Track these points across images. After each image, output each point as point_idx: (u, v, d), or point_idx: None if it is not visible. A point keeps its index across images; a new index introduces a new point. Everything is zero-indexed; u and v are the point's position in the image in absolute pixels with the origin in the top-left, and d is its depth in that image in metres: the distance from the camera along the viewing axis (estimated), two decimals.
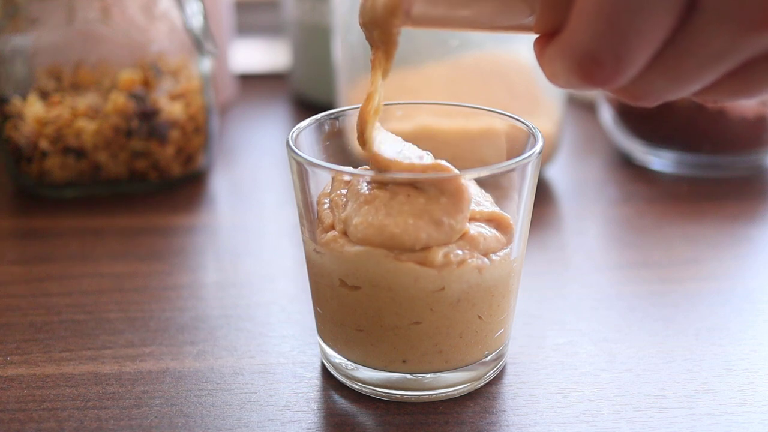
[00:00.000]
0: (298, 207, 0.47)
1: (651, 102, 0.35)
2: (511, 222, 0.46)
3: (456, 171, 0.44)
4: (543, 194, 0.74)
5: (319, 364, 0.50)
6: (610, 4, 0.31)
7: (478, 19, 0.37)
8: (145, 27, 0.73)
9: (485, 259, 0.44)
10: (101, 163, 0.72)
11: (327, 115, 0.51)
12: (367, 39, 0.41)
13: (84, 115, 0.71)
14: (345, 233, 0.44)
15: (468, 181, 0.44)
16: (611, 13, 0.31)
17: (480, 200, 0.46)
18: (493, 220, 0.45)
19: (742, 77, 0.33)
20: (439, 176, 0.44)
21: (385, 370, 0.46)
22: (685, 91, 0.34)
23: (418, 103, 0.56)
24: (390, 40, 0.40)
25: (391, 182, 0.44)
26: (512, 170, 0.44)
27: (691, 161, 0.77)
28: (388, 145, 0.45)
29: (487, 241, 0.44)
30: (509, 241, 0.46)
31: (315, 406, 0.47)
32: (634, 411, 0.46)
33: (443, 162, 0.45)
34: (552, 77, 0.35)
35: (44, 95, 0.72)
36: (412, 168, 0.43)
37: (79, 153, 0.71)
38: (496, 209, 0.46)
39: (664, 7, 0.31)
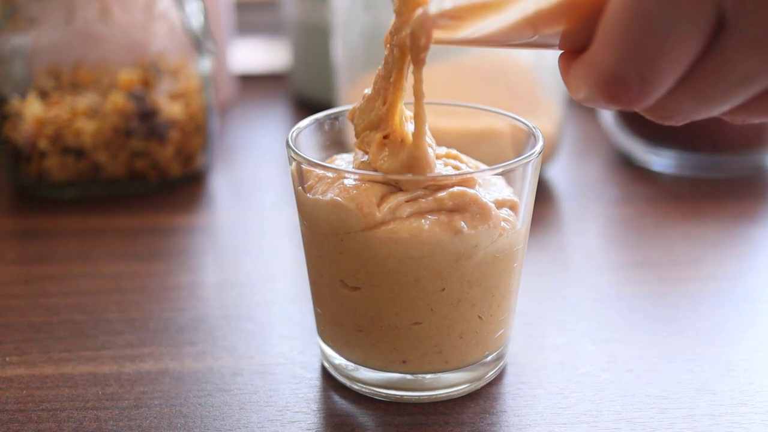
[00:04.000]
0: (298, 207, 0.47)
1: (678, 121, 0.35)
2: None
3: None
4: (543, 194, 0.74)
5: (319, 364, 0.50)
6: (636, 27, 0.30)
7: (500, 39, 0.37)
8: (144, 26, 0.73)
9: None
10: (100, 163, 0.72)
11: (327, 115, 0.51)
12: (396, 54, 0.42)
13: (83, 115, 0.71)
14: None
15: (491, 177, 0.44)
16: (637, 35, 0.30)
17: (502, 186, 0.46)
18: (513, 207, 0.46)
19: None
20: (431, 176, 0.44)
21: (385, 371, 0.46)
22: (712, 112, 0.33)
23: None
24: (419, 60, 0.40)
25: (371, 180, 0.44)
26: (512, 170, 0.44)
27: (692, 161, 0.77)
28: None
29: (509, 235, 0.45)
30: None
31: (315, 406, 0.47)
32: (635, 411, 0.46)
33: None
34: (576, 95, 0.35)
35: (43, 95, 0.72)
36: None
37: (79, 153, 0.71)
38: (515, 198, 0.46)
39: (691, 30, 0.30)
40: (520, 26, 0.35)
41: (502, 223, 0.44)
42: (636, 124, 0.78)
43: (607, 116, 0.82)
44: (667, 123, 0.35)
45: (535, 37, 0.36)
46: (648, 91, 0.32)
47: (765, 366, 0.50)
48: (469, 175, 0.44)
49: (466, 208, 0.43)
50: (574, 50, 0.35)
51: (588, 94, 0.33)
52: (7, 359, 0.51)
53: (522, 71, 0.74)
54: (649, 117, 0.35)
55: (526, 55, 0.74)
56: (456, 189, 0.43)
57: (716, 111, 0.33)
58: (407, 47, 0.40)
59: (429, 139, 0.47)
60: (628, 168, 0.80)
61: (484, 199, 0.43)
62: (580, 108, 0.93)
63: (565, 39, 0.35)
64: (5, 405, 0.47)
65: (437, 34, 0.38)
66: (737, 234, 0.68)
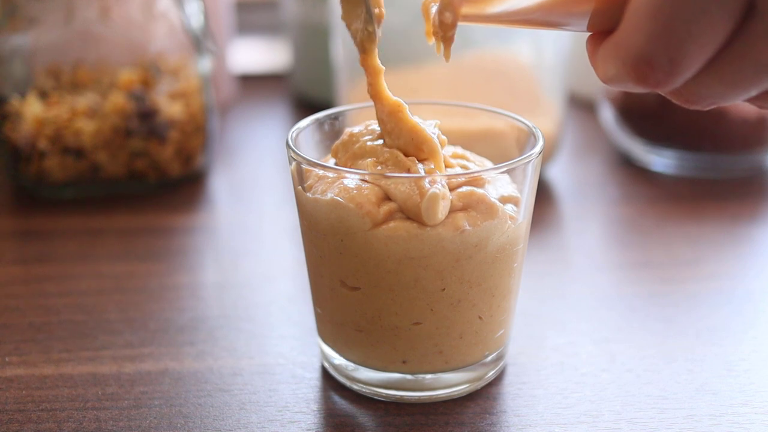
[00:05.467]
0: (298, 207, 0.47)
1: (704, 106, 0.35)
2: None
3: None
4: (543, 194, 0.74)
5: (319, 364, 0.50)
6: (666, 9, 0.30)
7: (528, 17, 0.37)
8: (144, 26, 0.73)
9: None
10: (100, 163, 0.72)
11: (327, 115, 0.51)
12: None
13: (83, 115, 0.71)
14: None
15: (498, 175, 0.45)
16: (667, 17, 0.30)
17: (505, 182, 0.46)
18: (517, 203, 0.46)
19: None
20: (421, 176, 0.44)
21: (385, 371, 0.46)
22: (740, 96, 0.33)
23: (418, 103, 0.56)
24: (447, 38, 0.40)
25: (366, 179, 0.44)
26: (513, 170, 0.44)
27: (692, 161, 0.77)
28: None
29: (511, 232, 0.45)
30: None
31: (315, 406, 0.47)
32: (635, 411, 0.46)
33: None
34: (604, 77, 0.35)
35: (43, 95, 0.72)
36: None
37: (78, 153, 0.71)
38: (518, 194, 0.46)
39: (720, 13, 0.30)
40: (548, 4, 0.35)
41: (508, 221, 0.44)
42: (636, 124, 0.78)
43: (608, 116, 0.82)
44: (694, 107, 0.35)
45: (564, 17, 0.36)
46: (676, 73, 0.32)
47: (765, 366, 0.50)
48: (470, 176, 0.44)
49: (473, 207, 0.43)
50: (602, 32, 0.35)
51: (616, 75, 0.33)
52: (7, 359, 0.51)
53: (522, 71, 0.74)
54: (675, 101, 0.35)
55: (526, 55, 0.74)
56: (464, 189, 0.43)
57: (743, 96, 0.33)
58: (436, 25, 0.40)
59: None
60: (628, 168, 0.79)
61: (492, 199, 0.43)
62: (580, 108, 0.93)
63: (593, 20, 0.35)
64: (5, 405, 0.47)
65: (465, 10, 0.38)
66: (737, 234, 0.68)
